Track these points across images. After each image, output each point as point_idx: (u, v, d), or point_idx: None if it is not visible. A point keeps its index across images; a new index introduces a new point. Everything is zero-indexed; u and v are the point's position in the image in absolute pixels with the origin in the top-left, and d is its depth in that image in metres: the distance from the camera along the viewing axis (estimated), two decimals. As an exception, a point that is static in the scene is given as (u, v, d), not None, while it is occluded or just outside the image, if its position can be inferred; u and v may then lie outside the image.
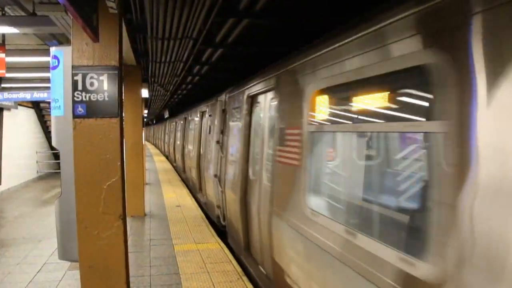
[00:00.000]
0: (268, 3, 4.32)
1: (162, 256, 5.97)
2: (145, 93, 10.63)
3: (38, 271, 5.37)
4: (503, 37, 1.60)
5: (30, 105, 14.86)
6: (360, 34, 2.64)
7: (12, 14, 5.72)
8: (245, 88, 5.72)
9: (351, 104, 3.04)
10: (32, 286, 4.89)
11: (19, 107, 13.44)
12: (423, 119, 2.19)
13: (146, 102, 17.28)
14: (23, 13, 5.48)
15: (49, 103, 13.38)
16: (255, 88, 5.23)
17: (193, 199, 10.63)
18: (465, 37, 1.76)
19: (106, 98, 3.39)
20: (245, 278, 5.08)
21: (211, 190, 8.23)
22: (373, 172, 3.48)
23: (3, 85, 11.19)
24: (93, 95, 3.38)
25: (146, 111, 20.62)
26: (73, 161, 3.39)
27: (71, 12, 2.38)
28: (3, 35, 6.91)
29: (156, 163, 21.50)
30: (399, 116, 2.60)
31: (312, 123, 3.39)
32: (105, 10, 3.28)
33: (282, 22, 4.98)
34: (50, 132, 14.52)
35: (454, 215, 1.76)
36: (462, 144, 1.75)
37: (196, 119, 11.09)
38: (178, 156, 15.61)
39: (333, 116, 3.30)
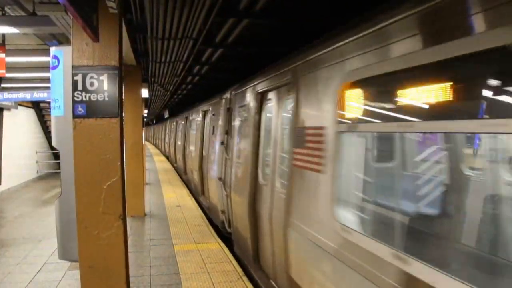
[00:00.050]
0: (268, 3, 4.32)
1: (162, 256, 5.97)
2: (145, 93, 10.62)
3: (38, 271, 5.37)
4: None
5: (30, 105, 14.85)
6: (415, 11, 2.15)
7: (12, 14, 5.72)
8: (254, 84, 5.26)
9: (399, 98, 2.49)
10: (32, 286, 4.88)
11: (19, 107, 13.43)
12: None
13: (146, 102, 17.27)
14: (23, 13, 5.47)
15: (49, 103, 13.36)
16: (265, 84, 4.77)
17: (193, 199, 10.62)
18: None
19: (106, 98, 3.39)
20: (245, 278, 5.08)
21: (214, 193, 7.86)
22: (433, 184, 2.93)
23: (3, 85, 11.18)
24: (93, 95, 3.38)
25: (146, 111, 20.61)
26: (73, 161, 3.39)
27: (71, 12, 2.39)
28: (3, 35, 6.90)
29: (156, 163, 21.50)
30: (472, 112, 2.10)
31: (343, 121, 2.87)
32: (105, 10, 3.28)
33: (282, 22, 4.99)
34: (50, 132, 14.51)
35: None
36: None
37: (198, 118, 10.65)
38: (179, 156, 15.27)
39: (374, 113, 2.73)
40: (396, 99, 2.50)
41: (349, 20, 3.06)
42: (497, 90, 1.90)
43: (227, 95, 7.08)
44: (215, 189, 7.76)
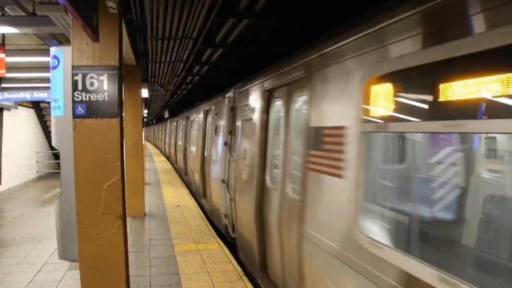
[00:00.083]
0: (268, 3, 4.31)
1: (162, 256, 5.97)
2: (145, 93, 10.63)
3: (38, 271, 5.37)
4: None
5: (30, 105, 14.86)
6: None
7: (12, 14, 5.72)
8: (261, 81, 4.92)
9: (446, 92, 2.05)
10: (32, 286, 4.88)
11: (19, 107, 13.44)
12: None
13: (146, 102, 17.28)
14: (23, 13, 5.47)
15: (49, 103, 13.37)
16: (274, 80, 4.42)
17: (193, 199, 10.62)
18: None
19: (106, 98, 3.39)
20: (245, 278, 5.08)
21: (217, 196, 7.51)
22: (491, 196, 2.50)
23: (3, 85, 11.19)
24: (93, 95, 3.38)
25: (146, 111, 20.62)
26: (73, 161, 3.39)
27: (71, 12, 2.38)
28: (3, 35, 6.91)
29: (156, 163, 21.50)
30: None
31: (370, 120, 2.50)
32: (105, 10, 3.28)
33: (282, 22, 4.98)
34: (50, 132, 14.51)
35: None
36: None
37: (200, 118, 10.24)
38: (180, 157, 14.92)
39: (413, 111, 2.31)
40: (442, 93, 2.06)
41: (349, 20, 3.04)
42: None
43: (231, 93, 6.80)
44: (217, 192, 7.43)
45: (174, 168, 18.51)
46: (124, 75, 6.71)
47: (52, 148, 15.18)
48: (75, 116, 3.38)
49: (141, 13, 4.98)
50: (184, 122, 14.43)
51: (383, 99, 2.43)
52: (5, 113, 12.56)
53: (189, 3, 3.88)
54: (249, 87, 5.51)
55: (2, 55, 6.83)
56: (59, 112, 3.65)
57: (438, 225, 2.52)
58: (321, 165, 2.99)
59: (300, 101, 3.85)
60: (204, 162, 9.40)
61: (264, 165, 4.78)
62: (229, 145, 6.51)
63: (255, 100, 5.13)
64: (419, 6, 2.06)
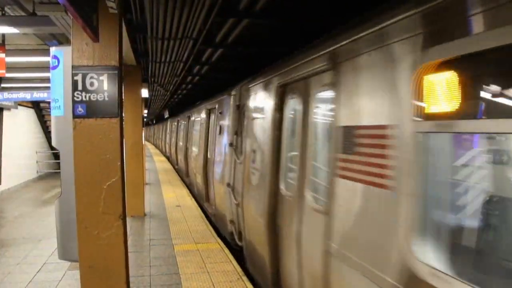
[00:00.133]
0: (268, 3, 4.32)
1: (162, 256, 5.97)
2: (145, 93, 10.63)
3: (38, 271, 5.37)
4: None
5: (30, 105, 14.86)
6: None
7: (12, 14, 5.72)
8: (272, 76, 4.44)
9: None
10: (32, 286, 4.88)
11: (19, 107, 13.44)
12: None
13: (146, 102, 17.28)
14: (23, 13, 5.48)
15: (49, 103, 13.37)
16: (288, 74, 3.94)
17: (193, 199, 10.62)
18: None
19: (106, 98, 3.39)
20: (245, 278, 5.08)
21: (221, 200, 7.04)
22: None
23: (3, 85, 11.19)
24: (93, 95, 3.38)
25: (146, 111, 20.62)
26: (73, 161, 3.40)
27: (71, 12, 2.39)
28: (3, 35, 6.91)
29: (156, 163, 21.50)
30: None
31: (426, 117, 1.97)
32: (105, 10, 3.28)
33: (282, 22, 4.99)
34: (50, 132, 14.51)
35: None
36: None
37: (203, 117, 9.73)
38: (181, 158, 14.39)
39: (494, 106, 1.72)
40: None
41: (349, 20, 3.04)
42: None
43: (236, 91, 6.40)
44: (222, 196, 6.92)
45: (175, 168, 18.46)
46: (124, 75, 6.71)
47: (52, 148, 15.18)
48: (75, 116, 3.38)
49: (141, 13, 4.99)
50: (185, 122, 14.11)
51: (446, 91, 1.87)
52: (5, 113, 12.56)
53: (189, 3, 3.88)
54: (258, 83, 5.01)
55: (2, 55, 6.83)
56: (59, 112, 3.65)
57: None
58: (356, 172, 2.51)
59: (324, 96, 3.28)
60: (207, 164, 8.89)
61: (277, 170, 4.26)
62: (235, 146, 6.13)
63: (266, 97, 4.62)
64: None
